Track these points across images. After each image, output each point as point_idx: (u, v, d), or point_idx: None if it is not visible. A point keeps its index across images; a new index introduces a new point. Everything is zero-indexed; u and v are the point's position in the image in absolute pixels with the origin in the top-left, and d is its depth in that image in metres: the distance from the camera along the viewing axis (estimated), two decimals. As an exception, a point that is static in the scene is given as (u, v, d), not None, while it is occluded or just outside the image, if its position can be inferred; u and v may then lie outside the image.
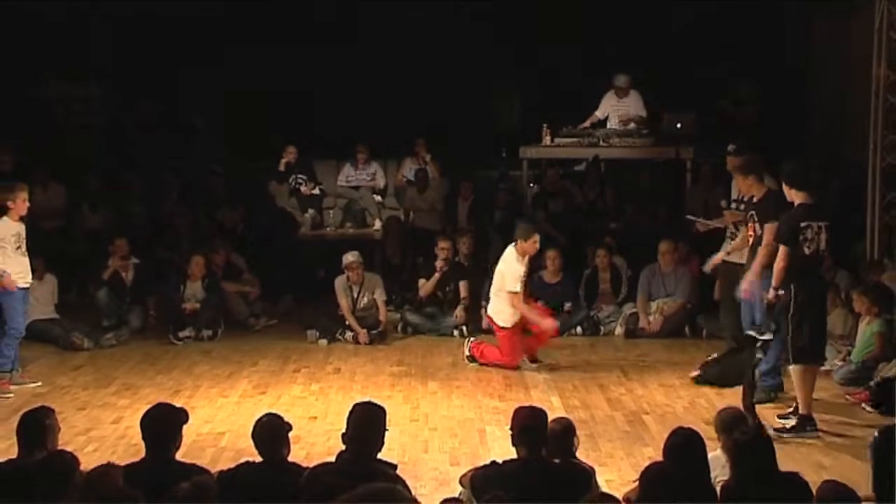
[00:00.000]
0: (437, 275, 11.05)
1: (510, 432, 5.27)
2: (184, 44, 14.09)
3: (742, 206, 8.87)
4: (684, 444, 4.93)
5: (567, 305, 11.04)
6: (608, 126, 13.20)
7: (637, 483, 4.78)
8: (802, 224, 7.52)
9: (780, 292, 7.52)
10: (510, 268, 9.46)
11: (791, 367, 7.71)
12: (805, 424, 7.55)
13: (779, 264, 7.52)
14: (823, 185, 10.16)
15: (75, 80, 14.58)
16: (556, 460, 5.31)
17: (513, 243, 9.58)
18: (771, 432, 7.35)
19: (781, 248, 7.54)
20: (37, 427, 5.32)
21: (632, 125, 13.11)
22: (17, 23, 13.57)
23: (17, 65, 13.79)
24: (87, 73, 14.46)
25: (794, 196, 7.65)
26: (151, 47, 14.10)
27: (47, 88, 14.54)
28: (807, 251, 7.52)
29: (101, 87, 14.66)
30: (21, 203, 8.83)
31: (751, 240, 8.46)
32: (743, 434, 4.95)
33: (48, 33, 13.80)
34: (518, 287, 9.42)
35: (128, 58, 14.15)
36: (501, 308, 9.55)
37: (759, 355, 7.74)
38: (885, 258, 10.43)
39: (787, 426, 7.56)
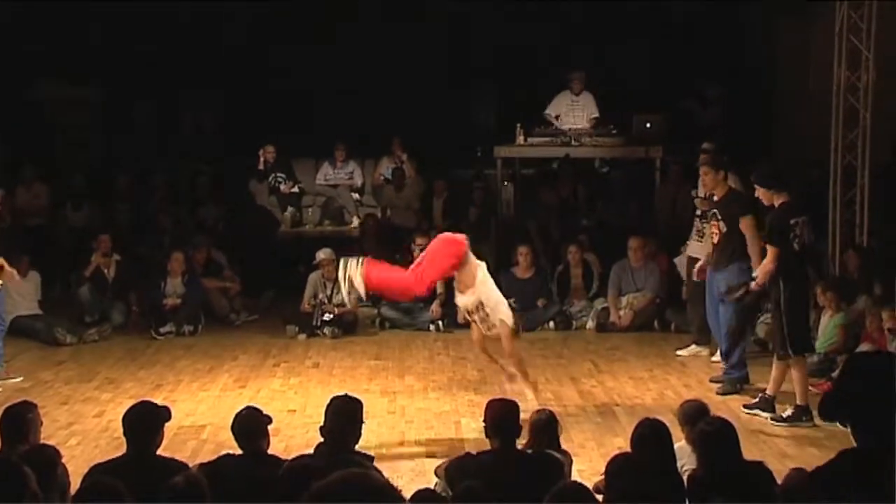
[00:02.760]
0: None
1: (483, 424, 5.28)
2: (176, 45, 14.06)
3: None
4: (651, 435, 4.94)
5: (540, 301, 11.07)
6: (561, 124, 13.22)
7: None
8: (791, 222, 7.51)
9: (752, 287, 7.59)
10: None
11: (793, 360, 7.62)
12: (802, 415, 7.54)
13: (767, 265, 7.50)
14: (796, 181, 10.23)
15: (69, 81, 14.47)
16: (538, 450, 5.33)
17: None
18: (770, 421, 7.55)
19: (771, 250, 7.48)
20: (19, 421, 5.26)
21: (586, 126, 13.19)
22: (11, 24, 13.46)
23: (8, 66, 13.68)
24: (82, 74, 14.33)
25: (773, 198, 7.57)
26: (145, 47, 14.03)
27: (41, 90, 14.43)
28: (796, 247, 7.53)
29: (94, 88, 14.55)
30: None
31: (714, 238, 8.53)
32: (708, 425, 4.97)
33: (43, 35, 13.68)
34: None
35: (121, 58, 14.05)
36: None
37: None
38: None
39: (784, 415, 7.59)
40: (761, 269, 7.59)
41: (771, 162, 8.49)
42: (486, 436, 5.23)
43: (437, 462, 5.95)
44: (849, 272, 10.17)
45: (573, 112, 13.24)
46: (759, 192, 7.68)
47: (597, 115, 13.22)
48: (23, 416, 5.29)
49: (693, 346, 9.70)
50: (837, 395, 3.49)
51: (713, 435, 4.84)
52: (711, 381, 8.76)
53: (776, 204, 7.58)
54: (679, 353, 9.73)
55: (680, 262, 10.32)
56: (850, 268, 10.18)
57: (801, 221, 7.56)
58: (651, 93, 13.75)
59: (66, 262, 11.88)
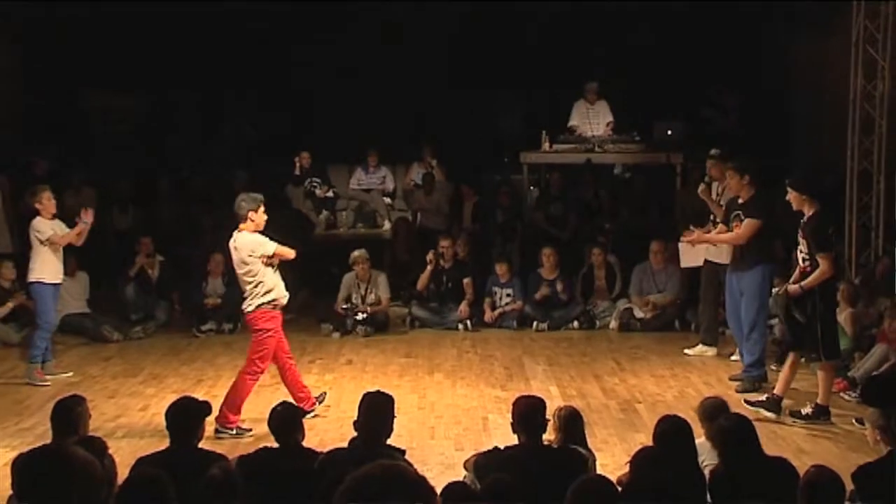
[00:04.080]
0: (428, 268, 11.04)
1: (510, 420, 5.26)
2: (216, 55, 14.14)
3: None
4: (673, 431, 4.90)
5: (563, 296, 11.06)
6: (580, 132, 13.18)
7: (628, 466, 4.75)
8: (831, 230, 7.38)
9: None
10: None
11: (821, 364, 7.47)
12: (821, 414, 7.44)
13: (825, 273, 7.24)
14: (831, 190, 10.10)
15: (113, 90, 14.56)
16: (565, 445, 5.30)
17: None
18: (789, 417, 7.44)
19: (826, 257, 7.22)
20: (69, 414, 5.34)
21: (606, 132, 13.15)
22: (59, 35, 13.57)
23: (57, 75, 13.80)
24: (125, 83, 14.42)
25: (804, 204, 7.39)
26: (183, 54, 14.10)
27: (87, 99, 14.53)
28: (834, 255, 7.43)
29: (137, 96, 14.62)
30: (48, 202, 8.80)
31: (737, 239, 8.47)
32: (727, 420, 4.92)
33: (89, 45, 13.77)
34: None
35: (162, 66, 14.12)
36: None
37: None
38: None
39: (803, 412, 7.47)
40: (817, 276, 7.26)
41: (812, 170, 8.17)
42: (513, 431, 5.21)
43: (465, 455, 5.93)
44: (875, 275, 10.05)
45: (590, 120, 13.20)
46: (791, 196, 7.45)
47: (611, 119, 13.18)
48: (73, 409, 5.36)
49: (700, 346, 9.63)
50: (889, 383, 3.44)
51: (732, 431, 4.79)
52: (731, 379, 8.70)
53: (808, 212, 7.37)
54: (687, 352, 9.66)
55: (684, 250, 9.98)
56: (879, 270, 10.03)
57: (834, 229, 7.45)
58: (672, 100, 13.69)
59: (112, 263, 11.96)
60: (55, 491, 3.05)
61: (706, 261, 9.48)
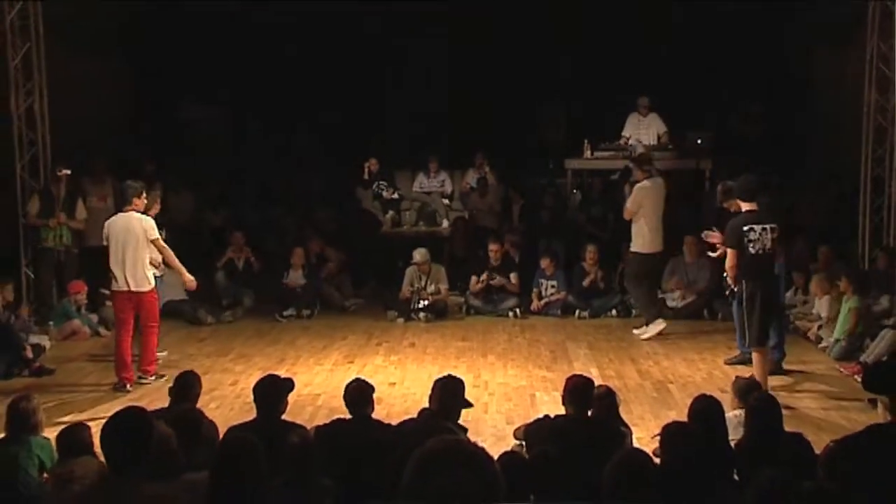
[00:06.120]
0: (485, 276, 10.99)
1: (562, 394, 5.21)
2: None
3: None
4: (707, 409, 4.85)
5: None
6: (632, 141, 13.06)
7: (657, 438, 4.69)
8: (745, 228, 7.26)
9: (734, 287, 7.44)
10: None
11: (755, 351, 7.44)
12: None
13: (727, 264, 7.38)
14: (766, 195, 9.88)
15: (206, 103, 14.77)
16: (604, 419, 5.28)
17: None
18: None
19: (729, 252, 7.33)
20: (186, 386, 5.61)
21: (658, 141, 13.02)
22: (160, 55, 13.82)
23: (159, 90, 14.04)
24: (214, 97, 14.62)
25: (742, 206, 7.40)
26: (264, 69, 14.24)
27: (184, 111, 14.76)
28: (752, 251, 7.27)
29: (228, 109, 14.80)
30: (143, 202, 8.85)
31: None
32: (756, 400, 4.87)
33: (186, 63, 14.00)
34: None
35: (241, 80, 14.28)
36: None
37: None
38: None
39: None
40: (727, 269, 7.45)
41: (750, 177, 7.92)
42: (563, 403, 5.18)
43: (515, 428, 5.93)
44: (879, 270, 9.86)
45: (640, 131, 13.10)
46: (735, 201, 7.52)
47: (665, 129, 13.01)
48: (191, 383, 5.55)
49: (644, 327, 9.62)
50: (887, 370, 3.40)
51: (760, 409, 4.74)
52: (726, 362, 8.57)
53: (734, 210, 7.42)
54: (636, 331, 9.69)
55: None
56: (881, 266, 9.86)
57: (759, 228, 7.24)
58: (701, 111, 13.51)
59: (207, 255, 12.13)
60: (131, 447, 3.16)
61: (636, 252, 9.62)
